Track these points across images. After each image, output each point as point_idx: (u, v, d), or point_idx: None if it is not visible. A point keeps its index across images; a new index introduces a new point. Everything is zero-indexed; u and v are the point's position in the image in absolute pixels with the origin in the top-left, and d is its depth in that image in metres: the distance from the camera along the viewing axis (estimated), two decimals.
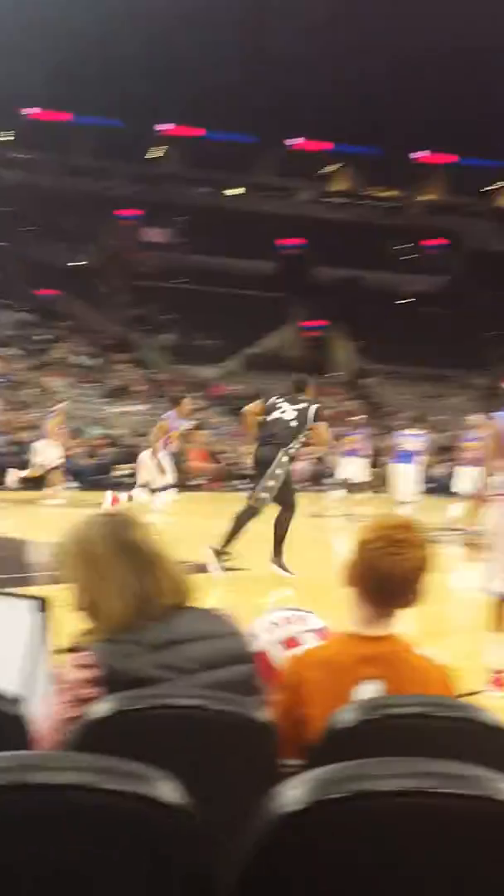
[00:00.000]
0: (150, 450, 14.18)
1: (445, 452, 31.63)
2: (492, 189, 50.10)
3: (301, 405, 10.39)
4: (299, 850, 1.36)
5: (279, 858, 1.37)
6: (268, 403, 10.55)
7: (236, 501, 11.03)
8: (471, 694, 6.04)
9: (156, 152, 47.07)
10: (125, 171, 44.99)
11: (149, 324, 40.32)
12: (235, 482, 23.89)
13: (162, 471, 14.01)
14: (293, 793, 1.36)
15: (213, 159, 44.45)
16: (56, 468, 18.62)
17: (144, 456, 14.34)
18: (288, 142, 44.95)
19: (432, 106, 38.50)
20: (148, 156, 47.07)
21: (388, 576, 2.56)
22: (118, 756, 1.42)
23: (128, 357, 37.17)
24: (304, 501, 11.28)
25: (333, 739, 2.01)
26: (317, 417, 10.40)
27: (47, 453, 18.44)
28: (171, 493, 14.40)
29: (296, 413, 10.31)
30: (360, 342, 40.59)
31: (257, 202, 46.04)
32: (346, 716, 2.02)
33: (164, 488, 14.18)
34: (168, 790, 1.38)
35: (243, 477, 20.61)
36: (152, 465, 13.97)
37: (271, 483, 10.17)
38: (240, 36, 36.01)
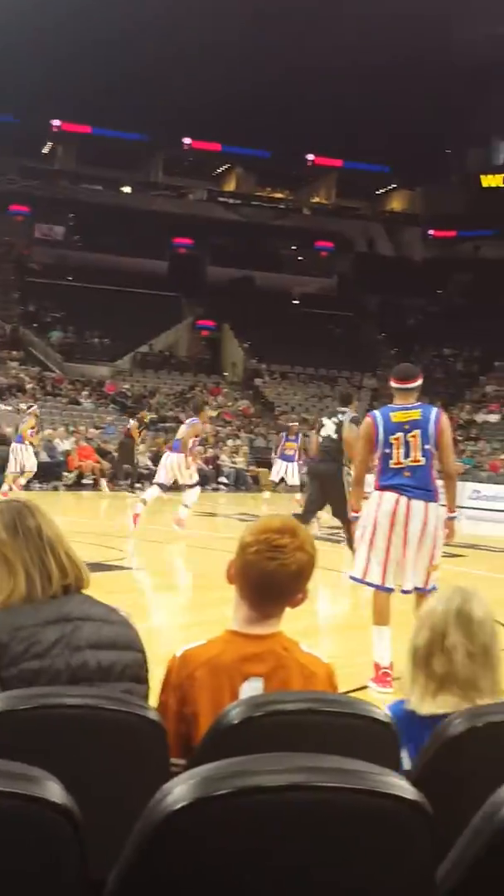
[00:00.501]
0: (174, 451, 14.87)
1: None
2: (380, 193, 50.91)
3: (337, 417, 11.24)
4: (184, 847, 1.36)
5: (164, 856, 1.36)
6: (318, 425, 11.74)
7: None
8: (358, 690, 6.19)
9: (49, 148, 46.48)
10: (18, 166, 44.26)
11: (40, 321, 39.79)
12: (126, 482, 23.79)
13: (187, 470, 14.82)
14: (177, 790, 1.36)
15: (105, 157, 44.07)
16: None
17: (175, 458, 14.71)
18: (183, 140, 44.83)
19: (323, 110, 38.88)
20: (44, 151, 46.45)
21: (268, 579, 2.57)
22: (5, 756, 1.40)
23: (20, 355, 36.63)
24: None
25: (219, 737, 2.01)
26: (348, 424, 10.99)
27: (27, 457, 19.58)
28: (198, 491, 15.36)
29: (334, 427, 11.15)
30: (251, 342, 40.79)
31: (150, 201, 45.85)
32: (231, 713, 2.03)
33: (193, 486, 15.05)
34: (52, 790, 1.36)
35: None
36: (182, 466, 14.66)
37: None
38: (129, 34, 35.79)
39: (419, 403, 6.68)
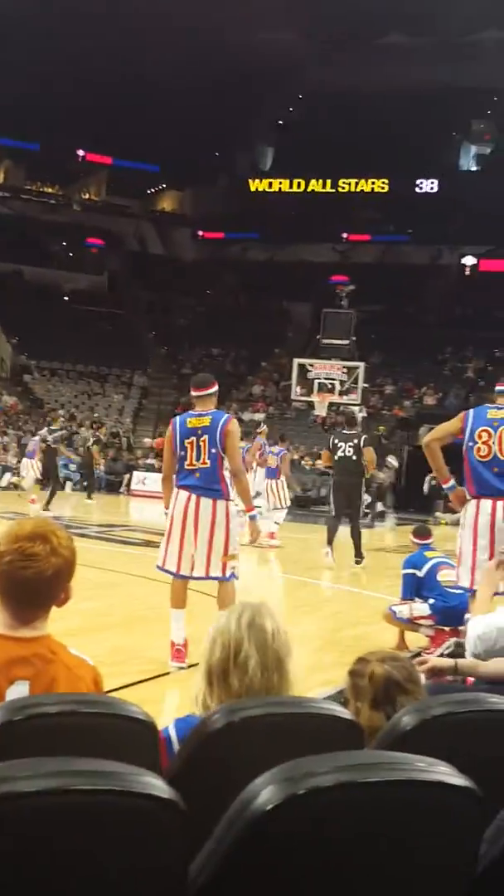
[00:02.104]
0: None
1: (106, 449, 31.92)
2: (151, 192, 51.02)
3: (354, 441, 14.01)
4: None
5: None
6: (331, 447, 14.24)
7: None
8: (161, 675, 6.42)
9: None
10: None
11: None
12: None
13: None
14: None
15: None
16: None
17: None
18: None
19: (93, 106, 38.55)
20: None
21: (25, 588, 2.56)
22: None
23: None
24: None
25: None
26: (365, 445, 14.12)
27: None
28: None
29: (352, 450, 13.89)
30: (20, 338, 39.92)
31: None
32: None
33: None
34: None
35: None
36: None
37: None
38: None
39: (212, 410, 7.25)
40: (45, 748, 1.57)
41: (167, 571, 7.20)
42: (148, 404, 38.56)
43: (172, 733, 2.49)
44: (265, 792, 1.44)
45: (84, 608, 8.10)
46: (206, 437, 7.06)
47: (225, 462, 7.12)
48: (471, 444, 6.57)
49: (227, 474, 7.13)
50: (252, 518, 7.61)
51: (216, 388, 7.34)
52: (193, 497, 7.04)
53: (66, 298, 44.58)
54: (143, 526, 19.72)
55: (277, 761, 1.50)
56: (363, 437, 14.48)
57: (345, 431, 14.56)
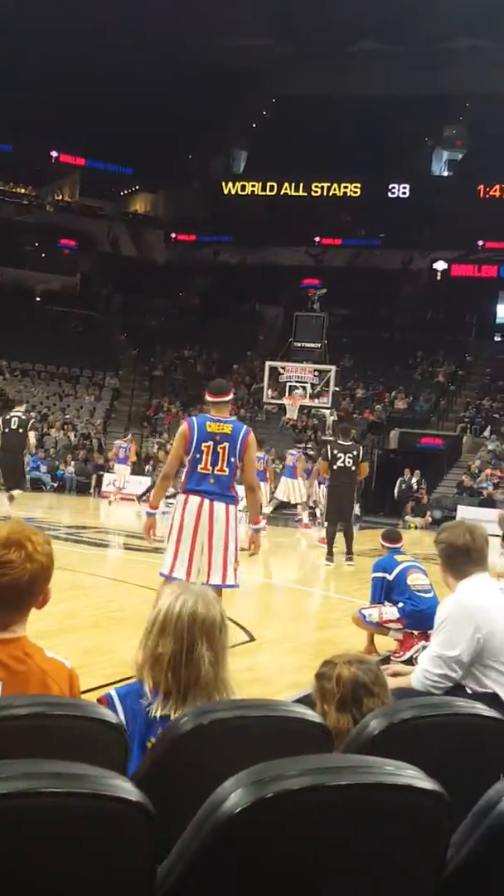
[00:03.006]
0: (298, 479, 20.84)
1: (76, 450, 31.81)
2: (124, 194, 50.93)
3: (353, 453, 14.87)
4: None
5: None
6: (330, 458, 14.96)
7: None
8: (132, 677, 6.37)
9: None
10: None
11: None
12: None
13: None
14: None
15: None
16: None
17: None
18: None
19: (66, 108, 38.42)
20: None
21: (2, 593, 2.56)
22: None
23: None
24: None
25: None
26: (362, 458, 15.18)
27: None
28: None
29: (351, 461, 14.71)
30: None
31: None
32: None
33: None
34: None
35: None
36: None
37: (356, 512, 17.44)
38: None
39: (232, 419, 7.30)
40: (15, 750, 1.57)
41: (176, 580, 6.84)
42: (119, 406, 38.45)
43: (114, 695, 2.68)
44: (234, 795, 1.44)
45: (54, 610, 8.06)
46: (226, 444, 6.97)
47: (238, 473, 7.10)
48: None
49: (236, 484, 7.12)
50: (257, 531, 7.52)
51: (232, 395, 7.34)
52: (207, 502, 6.93)
53: (38, 299, 44.41)
54: (115, 528, 19.66)
55: (247, 764, 1.51)
56: (360, 448, 15.52)
57: (342, 443, 15.21)
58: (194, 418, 7.30)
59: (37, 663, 2.59)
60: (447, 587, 4.38)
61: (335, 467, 14.83)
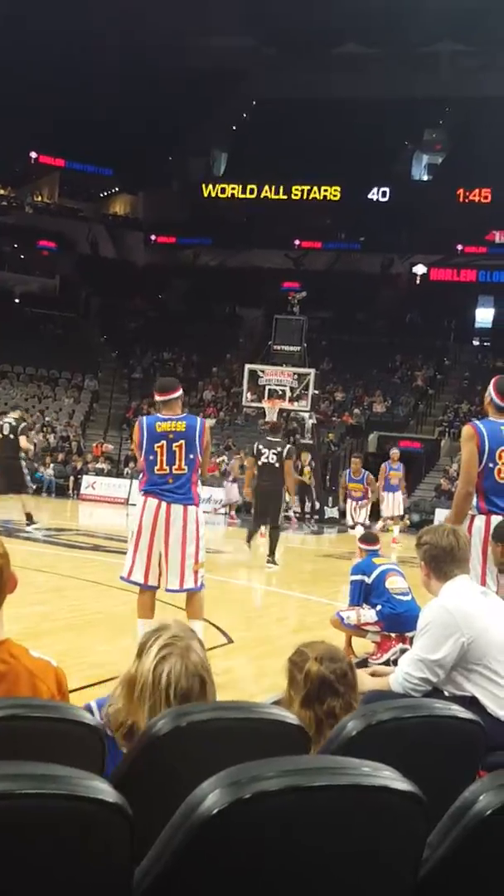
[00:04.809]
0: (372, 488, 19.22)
1: (55, 452, 31.73)
2: (103, 196, 50.85)
3: (277, 449, 14.07)
4: None
5: None
6: (255, 453, 14.32)
7: None
8: (109, 679, 6.35)
9: None
10: None
11: None
12: None
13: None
14: None
15: None
16: None
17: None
18: None
19: (46, 109, 38.36)
20: None
21: None
22: None
23: None
24: None
25: None
26: (287, 456, 14.09)
27: None
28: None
29: (275, 457, 13.95)
30: None
31: None
32: None
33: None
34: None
35: None
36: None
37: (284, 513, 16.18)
38: None
39: (184, 415, 7.11)
40: None
41: (133, 583, 6.98)
42: (98, 408, 38.39)
43: (94, 705, 2.63)
44: (211, 796, 1.44)
45: (31, 612, 8.07)
46: (182, 442, 6.84)
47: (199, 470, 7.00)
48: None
49: (198, 480, 7.02)
50: None
51: (181, 391, 7.20)
52: (164, 504, 6.82)
53: (16, 301, 44.27)
54: (93, 530, 19.63)
55: (224, 766, 1.51)
56: (287, 446, 14.61)
57: (270, 439, 14.51)
58: (144, 419, 7.22)
59: (22, 664, 2.59)
60: (427, 590, 4.40)
61: (259, 464, 14.18)
